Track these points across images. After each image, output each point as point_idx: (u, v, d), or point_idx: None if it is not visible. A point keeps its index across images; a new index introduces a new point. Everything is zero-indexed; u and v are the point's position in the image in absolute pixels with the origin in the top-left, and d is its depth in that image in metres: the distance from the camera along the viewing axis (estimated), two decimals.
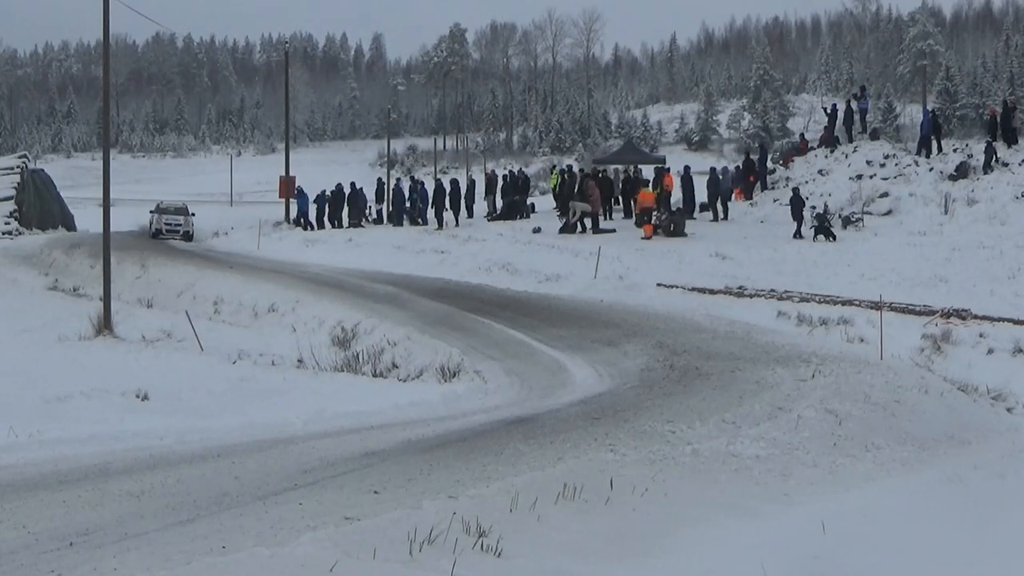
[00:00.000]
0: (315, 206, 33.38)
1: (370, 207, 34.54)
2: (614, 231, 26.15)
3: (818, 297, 17.69)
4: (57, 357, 15.16)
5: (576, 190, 27.65)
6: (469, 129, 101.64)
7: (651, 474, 7.01)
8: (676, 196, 28.84)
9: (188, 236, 31.76)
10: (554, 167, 37.92)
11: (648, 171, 31.11)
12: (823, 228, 23.91)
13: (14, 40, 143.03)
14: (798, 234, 24.27)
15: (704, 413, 9.58)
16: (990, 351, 14.71)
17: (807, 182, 28.82)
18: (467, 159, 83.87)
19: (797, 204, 24.83)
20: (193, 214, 33.19)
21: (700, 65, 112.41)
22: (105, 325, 17.63)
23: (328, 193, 33.33)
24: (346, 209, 32.83)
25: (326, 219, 32.97)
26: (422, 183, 33.96)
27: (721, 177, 28.51)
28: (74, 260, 26.74)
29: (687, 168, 29.56)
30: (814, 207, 26.23)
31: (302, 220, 33.56)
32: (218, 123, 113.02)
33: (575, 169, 34.23)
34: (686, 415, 9.52)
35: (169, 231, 31.80)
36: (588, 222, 26.29)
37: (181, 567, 4.57)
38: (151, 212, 33.28)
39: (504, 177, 32.56)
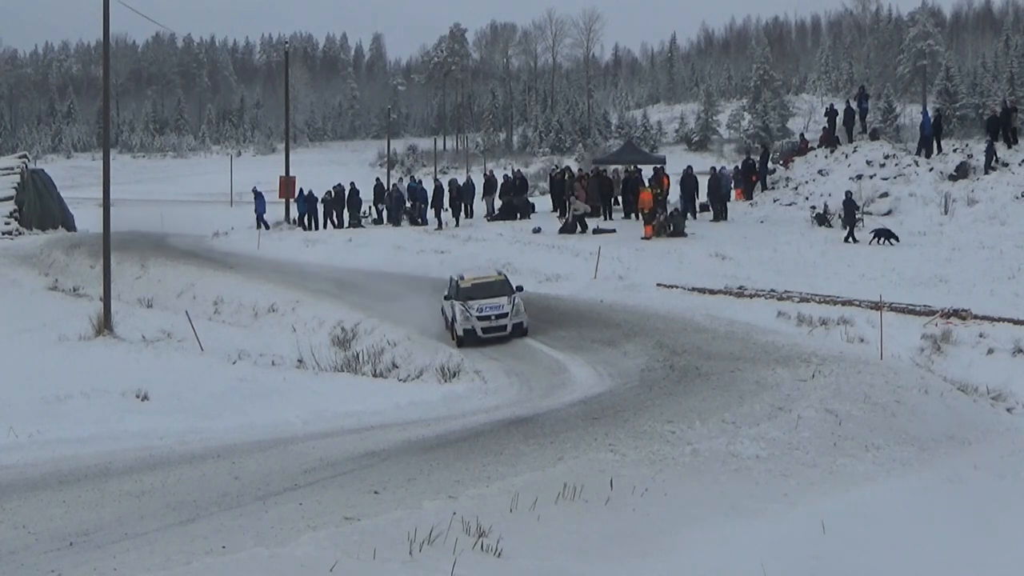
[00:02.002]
0: (305, 206, 33.38)
1: (369, 207, 34.52)
2: (614, 231, 26.15)
3: (818, 297, 17.69)
4: (57, 357, 15.18)
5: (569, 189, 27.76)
6: (469, 129, 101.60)
7: (651, 474, 7.01)
8: (674, 196, 28.83)
9: (522, 329, 16.42)
10: (553, 169, 37.91)
11: (647, 172, 31.08)
12: (884, 231, 23.21)
13: (14, 40, 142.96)
14: (850, 238, 23.47)
15: (704, 413, 9.58)
16: (990, 351, 14.70)
17: (807, 182, 28.81)
18: (467, 159, 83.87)
19: (849, 207, 24.07)
20: (520, 288, 17.26)
21: (700, 65, 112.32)
22: (105, 325, 17.64)
23: (313, 193, 33.33)
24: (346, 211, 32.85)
25: (319, 219, 32.95)
26: (420, 182, 33.96)
27: (721, 177, 28.50)
28: (74, 260, 26.74)
29: (689, 167, 29.54)
30: (814, 207, 26.20)
31: (258, 220, 33.43)
32: (218, 123, 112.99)
33: (575, 169, 34.23)
34: (686, 415, 9.52)
35: (491, 331, 16.25)
36: (589, 221, 26.30)
37: (181, 567, 4.57)
38: (456, 303, 16.59)
39: (505, 177, 32.58)
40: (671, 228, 25.25)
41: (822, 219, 25.24)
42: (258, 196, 34.22)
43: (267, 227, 33.09)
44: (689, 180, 28.37)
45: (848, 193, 24.81)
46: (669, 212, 26.35)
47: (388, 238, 27.73)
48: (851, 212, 23.94)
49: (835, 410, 9.55)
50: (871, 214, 25.83)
